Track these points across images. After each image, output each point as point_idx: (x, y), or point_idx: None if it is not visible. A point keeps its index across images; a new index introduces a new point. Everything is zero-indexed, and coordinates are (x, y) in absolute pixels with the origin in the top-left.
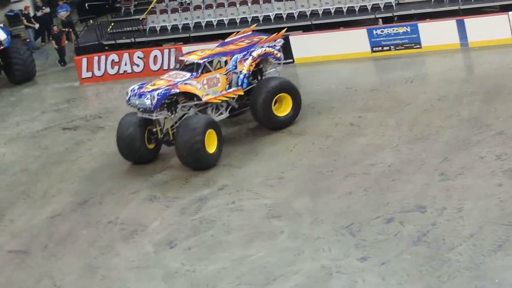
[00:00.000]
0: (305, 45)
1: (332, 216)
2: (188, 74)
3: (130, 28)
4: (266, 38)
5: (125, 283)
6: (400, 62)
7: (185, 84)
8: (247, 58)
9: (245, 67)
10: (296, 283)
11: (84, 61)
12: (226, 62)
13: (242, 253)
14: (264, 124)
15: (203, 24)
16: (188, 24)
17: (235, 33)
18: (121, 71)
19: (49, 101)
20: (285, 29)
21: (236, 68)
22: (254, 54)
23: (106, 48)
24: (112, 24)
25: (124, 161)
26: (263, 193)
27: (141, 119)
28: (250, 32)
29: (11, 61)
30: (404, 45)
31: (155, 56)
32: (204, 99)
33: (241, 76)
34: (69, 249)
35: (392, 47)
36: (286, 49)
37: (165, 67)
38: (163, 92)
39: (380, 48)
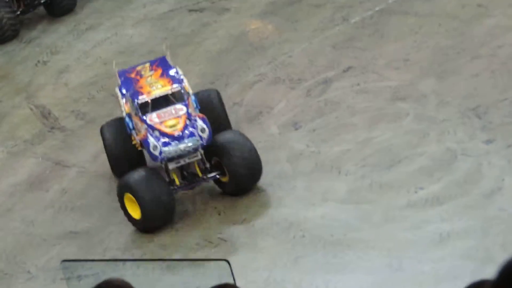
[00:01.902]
0: None
1: (458, 98)
2: (179, 105)
3: None
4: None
5: None
6: None
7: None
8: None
9: (189, 87)
10: (421, 165)
11: None
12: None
13: (366, 135)
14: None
15: None
16: None
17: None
18: None
19: None
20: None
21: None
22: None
23: None
24: None
25: (249, 42)
26: (388, 75)
27: (153, 172)
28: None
29: None
30: None
31: None
32: None
33: (193, 97)
34: None
35: None
36: None
37: None
38: (203, 121)
39: None
